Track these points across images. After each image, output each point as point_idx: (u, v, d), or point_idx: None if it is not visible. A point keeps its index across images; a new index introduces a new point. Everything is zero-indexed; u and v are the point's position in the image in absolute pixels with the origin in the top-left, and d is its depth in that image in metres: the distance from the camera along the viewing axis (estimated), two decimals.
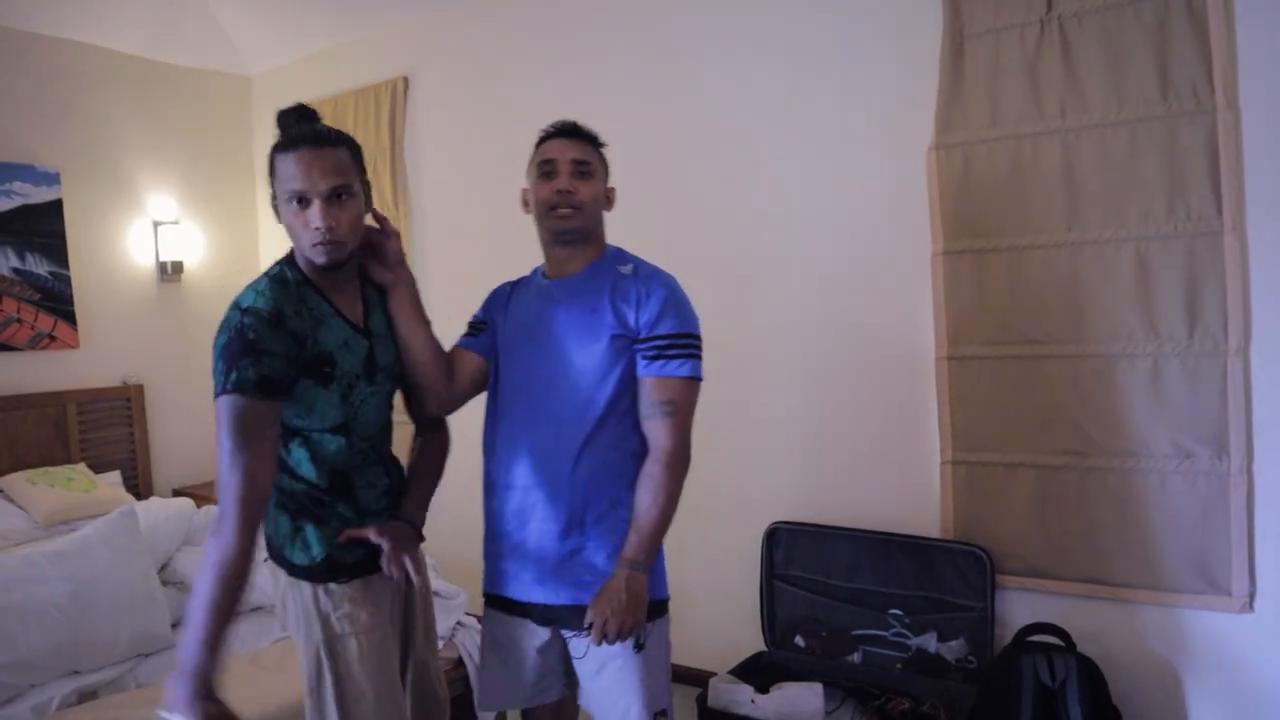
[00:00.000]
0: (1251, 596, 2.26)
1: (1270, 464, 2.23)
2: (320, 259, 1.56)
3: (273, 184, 1.58)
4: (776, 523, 2.87)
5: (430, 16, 3.88)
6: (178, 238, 4.35)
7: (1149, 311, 2.34)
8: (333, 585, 1.66)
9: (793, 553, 2.86)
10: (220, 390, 1.46)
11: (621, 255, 1.85)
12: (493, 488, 1.82)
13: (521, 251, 3.71)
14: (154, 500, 3.32)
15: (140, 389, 4.21)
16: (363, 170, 1.63)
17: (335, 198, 1.53)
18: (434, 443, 1.88)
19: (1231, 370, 2.24)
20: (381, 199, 4.07)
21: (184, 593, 2.63)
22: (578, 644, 1.75)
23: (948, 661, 2.60)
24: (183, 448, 4.40)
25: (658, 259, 1.86)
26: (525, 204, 1.84)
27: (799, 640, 2.83)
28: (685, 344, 1.71)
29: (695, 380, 1.72)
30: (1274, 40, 2.17)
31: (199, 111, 4.51)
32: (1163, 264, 2.32)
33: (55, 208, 3.91)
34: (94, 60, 4.08)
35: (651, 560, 1.68)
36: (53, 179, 3.91)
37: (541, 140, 1.84)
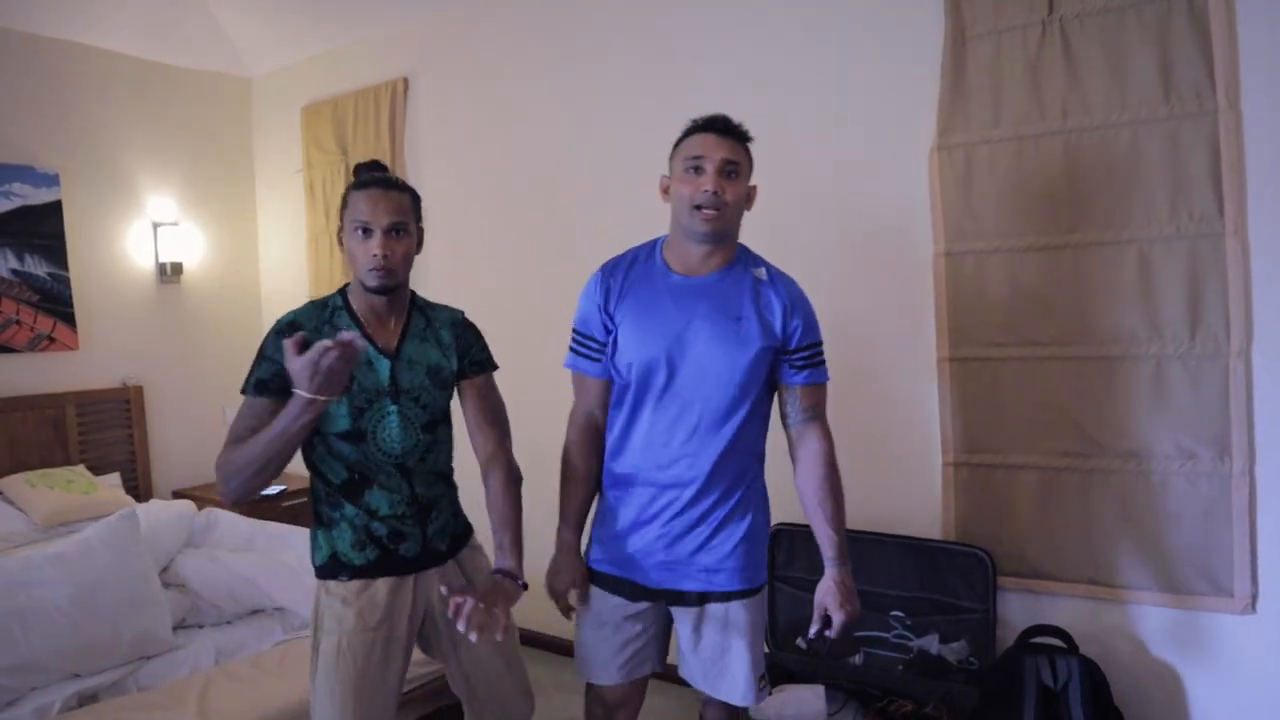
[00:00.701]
0: (1254, 598, 2.26)
1: (1272, 465, 2.23)
2: (372, 282, 1.78)
3: (342, 217, 1.82)
4: (778, 524, 2.84)
5: (430, 17, 3.87)
6: (177, 239, 4.34)
7: (1151, 313, 2.33)
8: (332, 583, 1.81)
9: (794, 554, 2.86)
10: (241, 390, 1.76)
11: (750, 255, 1.88)
12: (625, 482, 1.87)
13: (521, 254, 3.72)
14: (155, 502, 3.32)
15: (139, 390, 4.21)
16: (419, 217, 1.89)
17: (393, 232, 1.78)
18: (501, 481, 1.90)
19: (1234, 371, 2.24)
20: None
21: (185, 594, 2.63)
22: (688, 617, 1.87)
23: (950, 663, 2.59)
24: (182, 449, 4.40)
25: None
26: (665, 192, 1.84)
27: (800, 642, 2.82)
28: (820, 350, 1.85)
29: (827, 383, 1.88)
30: (1276, 41, 2.16)
31: (199, 113, 4.50)
32: (1165, 265, 2.31)
33: (54, 209, 3.91)
34: (94, 61, 4.07)
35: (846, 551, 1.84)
36: (52, 180, 3.90)
37: (690, 131, 1.80)
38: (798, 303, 1.82)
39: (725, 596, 1.84)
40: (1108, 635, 2.42)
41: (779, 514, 2.82)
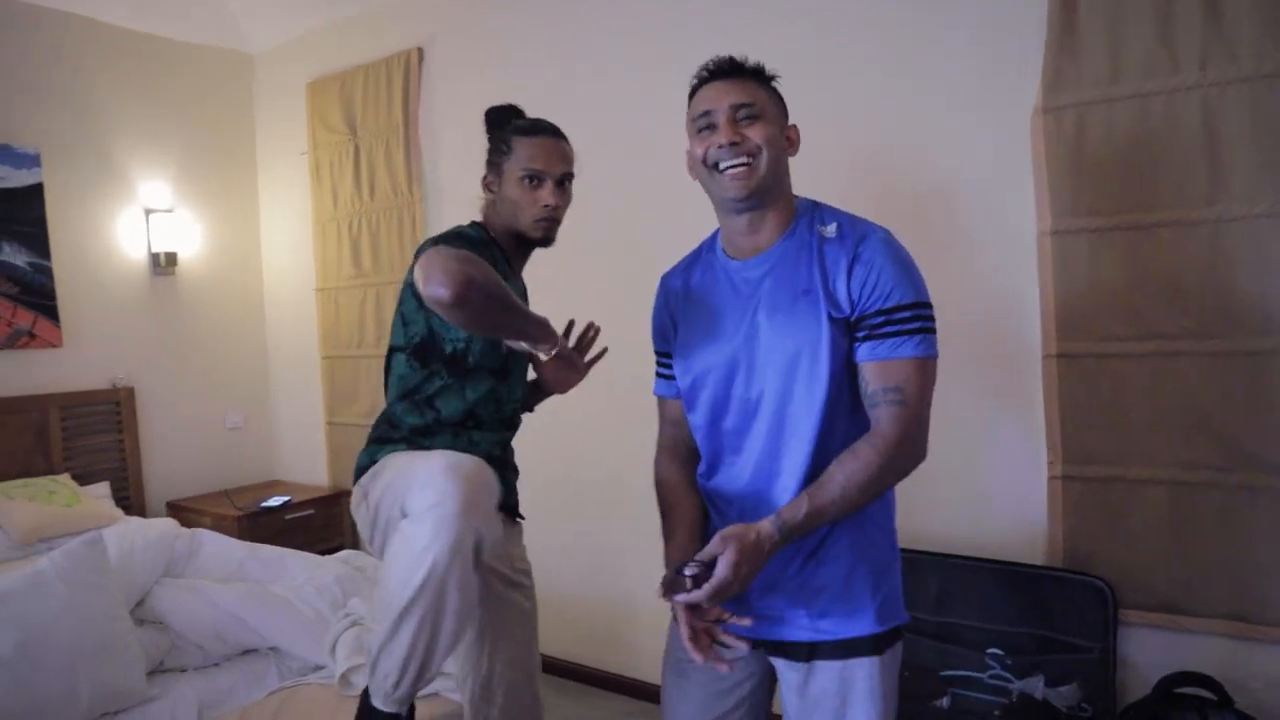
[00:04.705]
0: None
1: None
2: (538, 233, 1.76)
3: (500, 162, 1.76)
4: None
5: None
6: (172, 227, 4.03)
7: None
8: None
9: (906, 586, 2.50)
10: (437, 243, 1.59)
11: (818, 210, 1.49)
12: (710, 507, 1.56)
13: (559, 240, 3.35)
14: (131, 522, 2.97)
15: (130, 392, 3.88)
16: None
17: (562, 183, 1.76)
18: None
19: None
20: (394, 181, 3.72)
21: (164, 633, 2.26)
22: (793, 676, 1.48)
23: (1058, 710, 2.23)
24: (178, 457, 4.08)
25: None
26: (691, 169, 1.50)
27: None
28: (911, 317, 1.38)
29: (928, 360, 1.39)
30: None
31: (196, 90, 4.18)
32: None
33: (35, 192, 3.59)
34: (79, 31, 3.75)
35: (798, 535, 1.35)
36: (32, 160, 3.57)
37: (694, 89, 1.49)
38: (866, 254, 1.39)
39: (842, 649, 1.44)
40: (1260, 683, 2.05)
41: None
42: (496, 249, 1.77)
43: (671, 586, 1.32)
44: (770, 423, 1.44)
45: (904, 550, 2.39)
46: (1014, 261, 2.33)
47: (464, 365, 1.70)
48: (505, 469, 1.82)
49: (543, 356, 1.55)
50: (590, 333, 1.89)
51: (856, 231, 1.43)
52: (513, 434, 1.88)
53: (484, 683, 1.80)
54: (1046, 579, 2.28)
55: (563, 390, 1.84)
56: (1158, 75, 2.10)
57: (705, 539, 1.47)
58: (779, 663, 1.50)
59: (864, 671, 1.43)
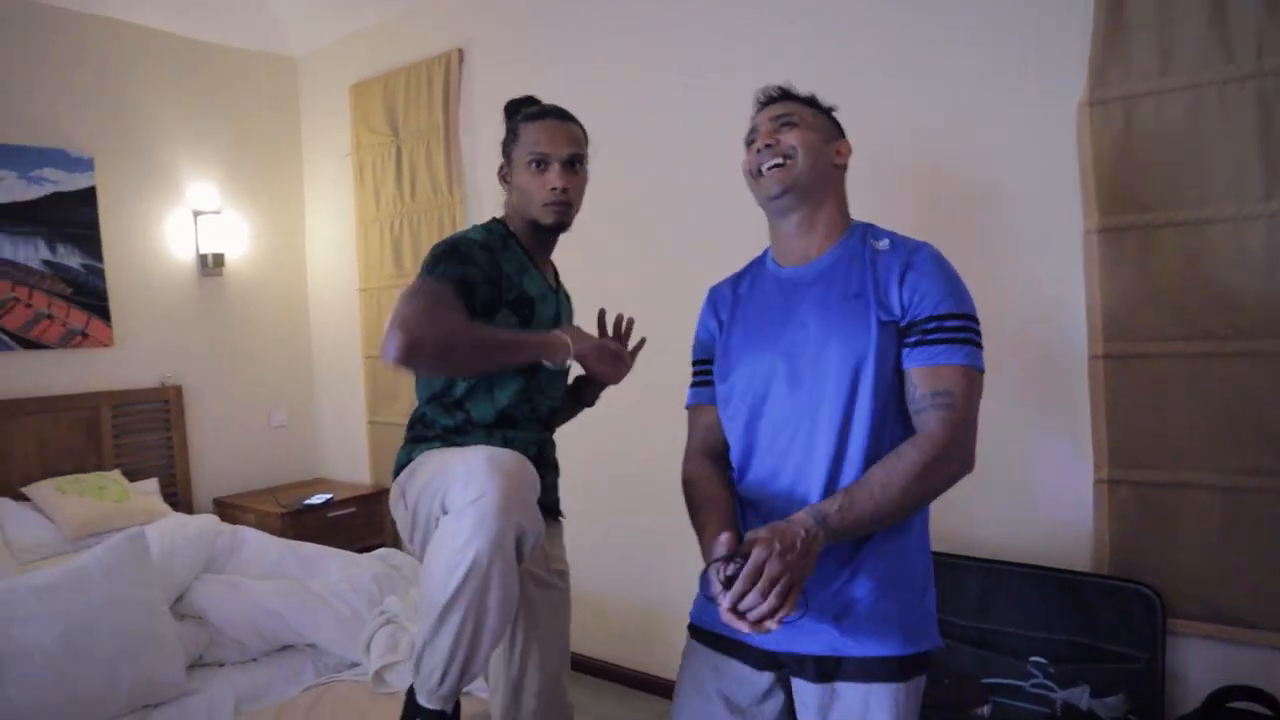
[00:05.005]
0: None
1: None
2: (549, 218, 1.70)
3: (510, 150, 1.75)
4: None
5: None
6: (219, 228, 4.09)
7: None
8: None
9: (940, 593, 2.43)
10: (424, 274, 1.57)
11: (870, 228, 1.53)
12: (743, 511, 1.54)
13: (588, 237, 3.35)
14: (172, 518, 3.01)
15: (178, 390, 3.95)
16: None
17: (572, 164, 1.71)
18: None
19: None
20: (434, 181, 3.74)
21: (203, 628, 2.29)
22: (812, 698, 1.42)
23: None
24: (225, 454, 4.14)
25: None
26: (749, 186, 1.59)
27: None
28: (959, 327, 1.39)
29: (975, 370, 1.40)
30: None
31: (242, 94, 4.24)
32: None
33: (88, 195, 3.66)
34: (130, 38, 3.82)
35: (839, 537, 1.31)
36: (86, 165, 3.65)
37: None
38: (918, 262, 1.42)
39: (864, 670, 1.39)
40: None
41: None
42: (515, 243, 1.74)
43: (706, 584, 1.31)
44: (811, 425, 1.42)
45: (944, 554, 2.36)
46: (1058, 260, 2.26)
47: None
48: (543, 467, 1.78)
49: (551, 366, 1.58)
50: (624, 325, 1.86)
51: (909, 245, 1.47)
52: (550, 432, 1.85)
53: (514, 684, 1.78)
54: (1092, 586, 2.20)
55: (613, 381, 1.76)
56: (1211, 65, 2.02)
57: (740, 533, 1.44)
58: (798, 684, 1.45)
59: (889, 699, 1.38)
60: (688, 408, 1.69)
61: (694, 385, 1.68)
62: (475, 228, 1.74)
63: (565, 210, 1.71)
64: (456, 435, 1.68)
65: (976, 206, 2.39)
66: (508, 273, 1.66)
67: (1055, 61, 2.23)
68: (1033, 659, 2.26)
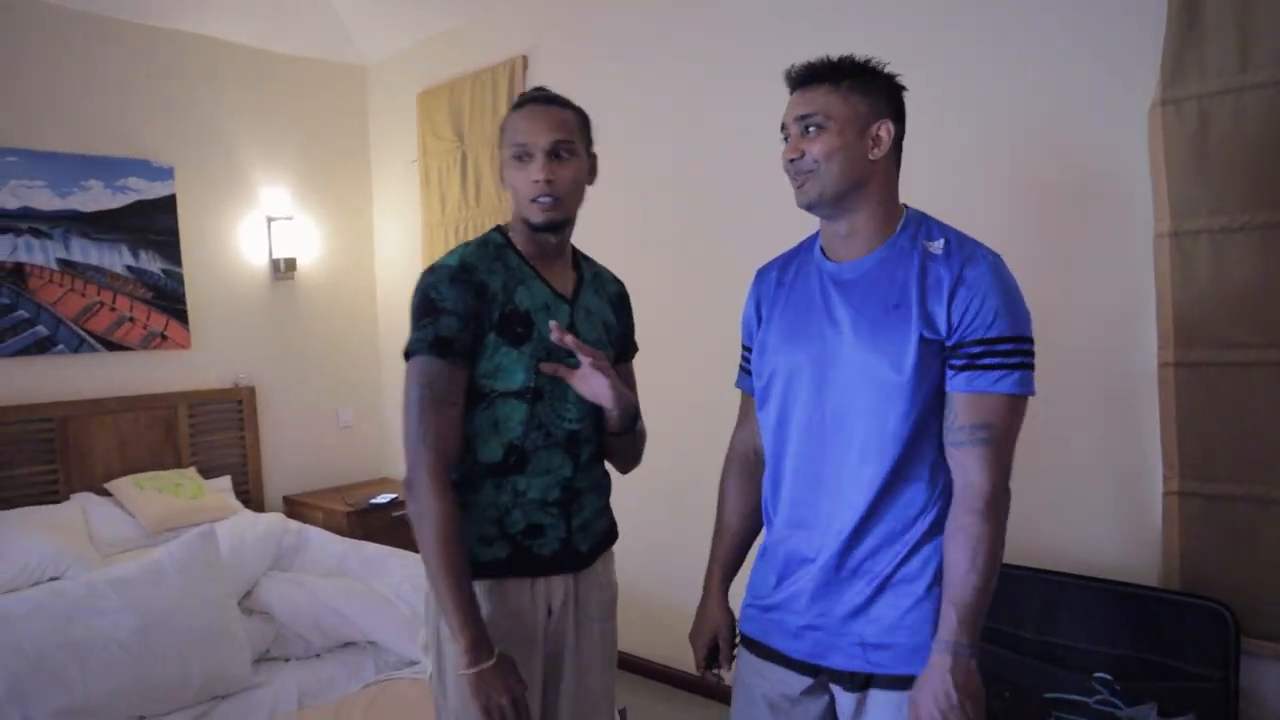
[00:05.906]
0: None
1: None
2: (537, 217, 1.52)
3: (501, 153, 1.57)
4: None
5: None
6: (291, 234, 4.21)
7: None
8: None
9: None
10: (406, 353, 1.51)
11: (925, 223, 1.42)
12: (767, 526, 1.55)
13: (657, 252, 3.36)
14: (243, 515, 3.11)
15: (251, 391, 4.08)
16: (589, 142, 1.61)
17: (557, 154, 1.51)
18: None
19: None
20: (498, 186, 3.79)
21: (269, 624, 2.37)
22: (848, 704, 1.42)
23: None
24: (295, 453, 4.27)
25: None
26: None
27: None
28: (1011, 350, 1.32)
29: (1023, 399, 1.34)
30: None
31: (313, 103, 4.37)
32: None
33: (169, 203, 3.81)
34: (206, 51, 3.96)
35: (976, 639, 1.31)
36: (166, 174, 3.80)
37: None
38: (971, 277, 1.32)
39: (899, 682, 1.37)
40: None
41: None
42: (513, 251, 1.57)
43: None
44: (836, 435, 1.39)
45: (1006, 565, 2.29)
46: (1128, 264, 2.20)
47: (481, 392, 1.53)
48: (577, 501, 1.60)
49: (472, 675, 1.43)
50: (564, 337, 1.53)
51: (964, 252, 1.36)
52: (576, 460, 1.59)
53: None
54: (1160, 601, 2.13)
55: (606, 403, 1.54)
56: None
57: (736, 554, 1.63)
58: (835, 687, 1.44)
59: None
60: (737, 388, 1.68)
61: (741, 369, 1.65)
62: (465, 244, 1.58)
63: (553, 205, 1.51)
64: (466, 493, 1.53)
65: (1046, 209, 2.34)
66: (494, 290, 1.50)
67: (1126, 61, 2.17)
68: (1097, 675, 2.20)
